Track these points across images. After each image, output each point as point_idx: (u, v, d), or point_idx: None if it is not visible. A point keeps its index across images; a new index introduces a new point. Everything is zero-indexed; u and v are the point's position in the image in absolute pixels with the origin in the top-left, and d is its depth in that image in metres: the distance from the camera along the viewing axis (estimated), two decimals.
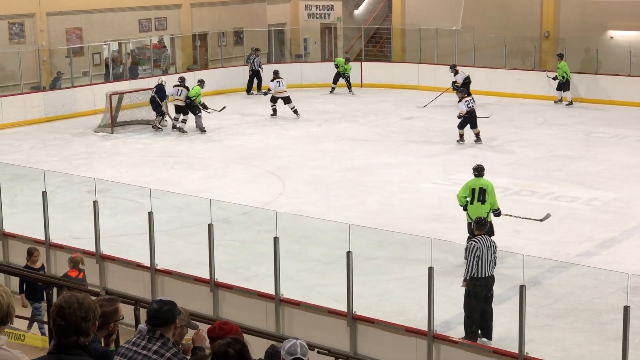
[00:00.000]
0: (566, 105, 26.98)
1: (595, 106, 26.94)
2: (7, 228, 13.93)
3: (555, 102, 27.40)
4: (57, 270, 12.77)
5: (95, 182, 13.58)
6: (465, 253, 13.34)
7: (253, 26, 33.18)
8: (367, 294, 12.03)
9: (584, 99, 27.42)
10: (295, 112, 25.87)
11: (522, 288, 9.65)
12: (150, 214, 12.13)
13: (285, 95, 25.91)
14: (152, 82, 25.30)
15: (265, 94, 26.67)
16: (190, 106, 23.96)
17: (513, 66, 29.87)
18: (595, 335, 11.43)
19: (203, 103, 24.25)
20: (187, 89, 24.19)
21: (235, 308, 11.65)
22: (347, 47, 34.96)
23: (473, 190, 13.61)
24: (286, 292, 11.30)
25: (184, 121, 24.04)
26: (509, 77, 28.99)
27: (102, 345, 5.29)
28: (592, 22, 29.58)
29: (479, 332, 10.95)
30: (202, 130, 23.93)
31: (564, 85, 27.07)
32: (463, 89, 23.45)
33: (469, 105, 21.89)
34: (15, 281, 12.12)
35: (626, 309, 9.05)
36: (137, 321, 8.95)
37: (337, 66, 29.99)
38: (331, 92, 30.00)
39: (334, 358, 9.92)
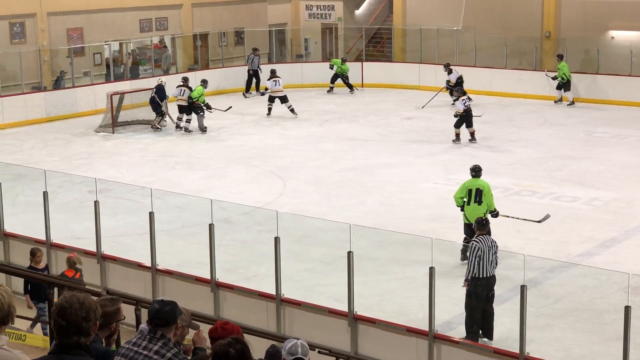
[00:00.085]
0: (567, 105, 26.98)
1: (596, 106, 26.94)
2: (8, 228, 13.93)
3: (555, 101, 27.41)
4: (58, 270, 12.76)
5: (96, 182, 13.58)
6: (462, 255, 13.36)
7: (254, 26, 33.18)
8: (368, 294, 12.03)
9: (584, 99, 27.42)
10: (292, 111, 25.90)
11: (523, 288, 9.65)
12: (151, 214, 12.13)
13: (281, 94, 25.93)
14: (153, 82, 25.30)
15: (262, 94, 26.67)
16: (193, 106, 23.96)
17: (514, 66, 29.89)
18: (596, 336, 11.43)
19: (207, 103, 24.24)
20: (190, 89, 24.21)
21: (236, 308, 11.65)
22: (347, 48, 34.96)
23: (470, 191, 13.58)
24: (287, 292, 11.30)
25: (189, 121, 24.06)
26: (509, 77, 28.99)
27: (103, 345, 5.30)
28: (593, 22, 29.57)
29: (480, 332, 10.94)
30: (203, 129, 23.93)
31: (564, 86, 27.08)
32: (459, 87, 23.47)
33: (465, 104, 21.94)
34: (16, 281, 12.15)
35: (627, 309, 9.04)
36: (138, 321, 8.95)
37: (331, 67, 30.03)
38: (329, 91, 30.02)
39: (334, 358, 9.92)
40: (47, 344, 8.62)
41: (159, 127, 24.30)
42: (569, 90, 27.05)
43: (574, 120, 25.01)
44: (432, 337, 10.21)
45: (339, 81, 30.00)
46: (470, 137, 22.17)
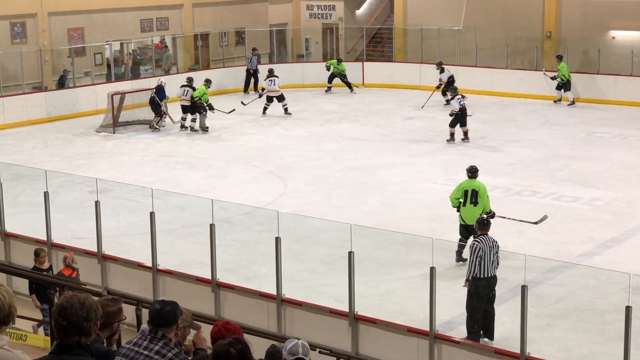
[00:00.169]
0: (568, 105, 26.97)
1: (597, 106, 26.94)
2: (9, 228, 13.94)
3: (554, 102, 27.41)
4: (59, 270, 12.77)
5: (97, 182, 13.57)
6: (457, 256, 13.33)
7: (255, 26, 33.19)
8: (368, 294, 12.03)
9: (585, 99, 27.42)
10: (286, 110, 25.96)
11: (523, 288, 9.65)
12: (152, 214, 12.13)
13: (277, 94, 25.98)
14: (154, 82, 25.30)
15: (260, 95, 26.69)
16: (196, 105, 23.97)
17: (515, 66, 29.89)
18: (597, 336, 11.43)
19: (210, 104, 24.24)
20: (194, 89, 24.22)
21: (236, 308, 11.66)
22: (348, 48, 34.96)
23: (466, 192, 13.52)
24: (288, 292, 11.30)
25: (194, 120, 24.07)
26: (510, 77, 29.00)
27: (105, 345, 5.29)
28: (594, 22, 29.56)
29: (481, 332, 10.94)
30: (205, 129, 23.94)
31: (564, 86, 27.08)
32: (454, 87, 23.47)
33: (460, 103, 21.97)
34: (17, 281, 12.15)
35: (628, 309, 9.04)
36: (139, 321, 8.95)
37: (328, 68, 30.05)
38: (327, 91, 30.04)
39: (335, 358, 9.92)
40: (48, 344, 8.62)
41: (157, 127, 24.30)
42: (569, 90, 27.05)
43: (574, 120, 25.01)
44: (433, 337, 10.21)
45: (338, 81, 30.04)
46: (463, 137, 22.20)
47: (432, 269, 10.10)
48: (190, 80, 24.66)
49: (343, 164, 20.29)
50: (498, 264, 11.01)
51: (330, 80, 30.09)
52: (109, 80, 28.31)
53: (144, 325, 5.06)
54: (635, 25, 28.72)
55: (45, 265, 11.66)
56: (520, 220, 14.47)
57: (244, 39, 32.77)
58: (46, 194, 13.27)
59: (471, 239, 13.18)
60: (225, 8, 32.93)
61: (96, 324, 4.13)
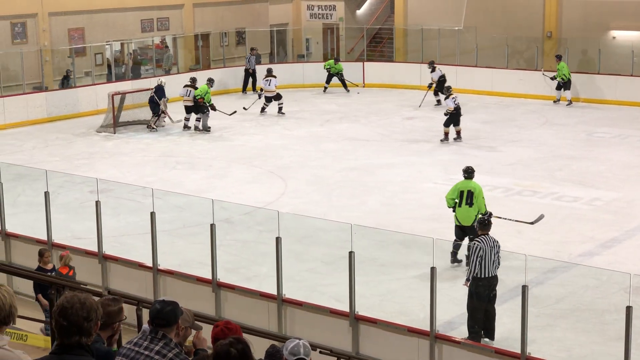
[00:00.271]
0: (566, 105, 26.97)
1: (597, 106, 26.94)
2: (9, 228, 13.94)
3: (554, 101, 27.41)
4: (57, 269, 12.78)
5: (98, 182, 13.59)
6: (451, 257, 13.31)
7: (255, 26, 33.19)
8: (369, 294, 12.03)
9: (585, 99, 27.42)
10: (280, 109, 26.01)
11: (524, 288, 9.65)
12: (152, 214, 12.14)
13: (273, 94, 26.03)
14: (154, 83, 25.30)
15: (260, 95, 26.71)
16: (198, 105, 23.97)
17: (515, 66, 29.88)
18: (597, 336, 11.43)
19: (212, 104, 24.23)
20: (196, 89, 24.22)
21: (237, 308, 11.66)
22: (349, 48, 34.96)
23: (461, 192, 13.44)
24: (288, 292, 11.31)
25: (198, 120, 24.08)
26: (511, 77, 28.99)
27: (105, 345, 5.29)
28: (594, 22, 29.55)
29: (482, 332, 10.94)
30: (207, 129, 23.95)
31: (564, 85, 27.08)
32: (449, 86, 23.45)
33: (455, 102, 21.98)
34: (17, 281, 12.16)
35: (628, 309, 9.05)
36: (140, 321, 8.95)
37: (329, 70, 30.04)
38: (324, 91, 30.04)
39: (336, 358, 9.92)
40: (49, 344, 8.62)
41: (155, 127, 24.29)
42: (568, 89, 27.04)
43: (574, 120, 25.01)
44: (434, 337, 10.21)
45: (336, 81, 30.05)
46: (456, 136, 22.20)
47: (433, 269, 10.11)
48: (193, 80, 24.66)
49: (343, 164, 20.29)
50: (499, 264, 11.00)
51: (328, 80, 30.09)
52: (109, 81, 28.31)
53: (146, 326, 5.07)
54: (636, 25, 28.71)
55: (49, 266, 11.66)
56: (516, 221, 14.40)
57: (244, 39, 32.78)
58: (46, 194, 13.28)
59: (466, 239, 13.20)
60: (226, 8, 32.93)
61: (97, 324, 4.13)
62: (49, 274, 11.22)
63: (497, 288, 11.04)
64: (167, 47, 32.02)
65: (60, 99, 26.26)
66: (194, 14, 32.01)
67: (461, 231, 13.38)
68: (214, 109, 24.18)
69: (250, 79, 30.08)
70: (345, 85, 30.02)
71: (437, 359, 10.24)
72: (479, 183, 13.80)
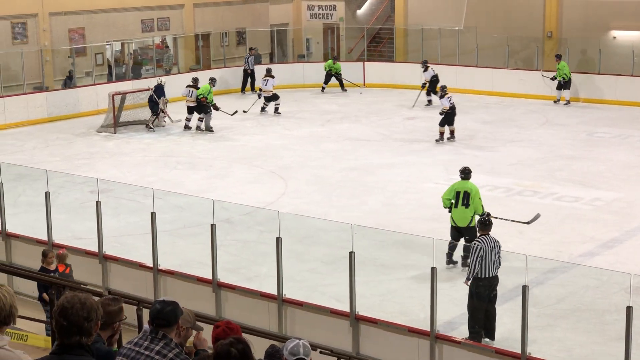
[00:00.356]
0: (564, 105, 26.97)
1: (598, 106, 26.93)
2: (10, 228, 13.94)
3: (554, 102, 27.41)
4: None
5: (98, 182, 13.58)
6: (447, 259, 13.28)
7: (255, 26, 33.19)
8: (369, 294, 12.03)
9: (586, 98, 27.42)
10: (276, 109, 26.03)
11: (524, 288, 9.65)
12: (152, 214, 12.14)
13: (270, 94, 26.06)
14: (155, 83, 25.32)
15: (259, 96, 26.73)
16: (201, 104, 23.97)
17: (515, 66, 29.88)
18: (597, 336, 11.43)
19: (214, 104, 24.24)
20: (198, 89, 24.22)
21: (237, 308, 11.66)
22: (349, 48, 34.96)
23: (458, 193, 13.39)
24: (288, 293, 11.31)
25: (201, 120, 24.08)
26: (511, 77, 28.99)
27: (105, 345, 5.29)
28: (594, 22, 29.54)
29: (482, 332, 10.94)
30: (209, 129, 23.96)
31: (565, 85, 27.07)
32: (444, 85, 23.43)
33: (451, 101, 21.98)
34: (18, 281, 12.16)
35: (629, 309, 9.05)
36: (140, 321, 8.95)
37: (330, 71, 30.04)
38: (322, 91, 30.04)
39: (336, 358, 9.92)
40: (49, 344, 8.63)
41: (152, 127, 24.28)
42: (568, 89, 27.04)
43: (575, 120, 25.00)
44: (434, 338, 10.21)
45: (335, 81, 30.07)
46: (449, 136, 22.20)
47: (433, 269, 10.11)
48: (195, 80, 24.67)
49: (344, 164, 20.29)
50: (500, 264, 11.00)
51: (326, 80, 30.10)
52: (109, 81, 28.31)
53: (146, 326, 5.07)
54: (636, 25, 28.70)
55: (53, 267, 11.66)
56: (512, 220, 14.35)
57: (244, 39, 32.78)
58: (47, 194, 13.28)
59: (462, 240, 13.18)
60: (226, 8, 32.93)
61: (97, 324, 4.13)
62: (52, 274, 11.22)
63: (497, 288, 11.03)
64: (167, 47, 32.03)
65: (61, 99, 26.26)
66: (195, 14, 32.01)
67: (457, 232, 13.35)
68: (216, 108, 24.18)
69: (249, 79, 30.08)
70: (342, 85, 30.02)
71: (437, 359, 10.24)
72: (476, 184, 13.78)
